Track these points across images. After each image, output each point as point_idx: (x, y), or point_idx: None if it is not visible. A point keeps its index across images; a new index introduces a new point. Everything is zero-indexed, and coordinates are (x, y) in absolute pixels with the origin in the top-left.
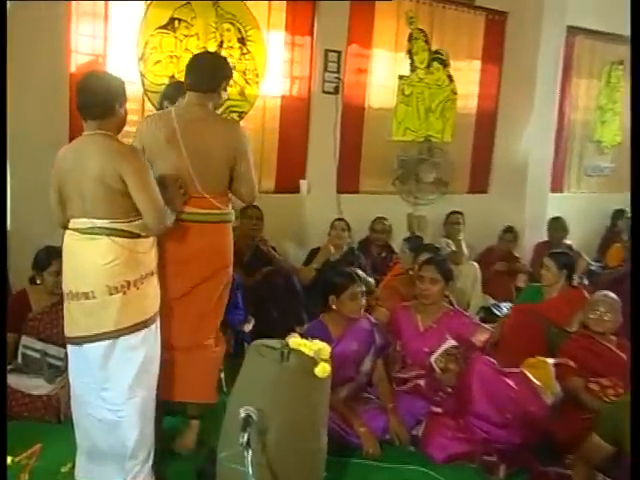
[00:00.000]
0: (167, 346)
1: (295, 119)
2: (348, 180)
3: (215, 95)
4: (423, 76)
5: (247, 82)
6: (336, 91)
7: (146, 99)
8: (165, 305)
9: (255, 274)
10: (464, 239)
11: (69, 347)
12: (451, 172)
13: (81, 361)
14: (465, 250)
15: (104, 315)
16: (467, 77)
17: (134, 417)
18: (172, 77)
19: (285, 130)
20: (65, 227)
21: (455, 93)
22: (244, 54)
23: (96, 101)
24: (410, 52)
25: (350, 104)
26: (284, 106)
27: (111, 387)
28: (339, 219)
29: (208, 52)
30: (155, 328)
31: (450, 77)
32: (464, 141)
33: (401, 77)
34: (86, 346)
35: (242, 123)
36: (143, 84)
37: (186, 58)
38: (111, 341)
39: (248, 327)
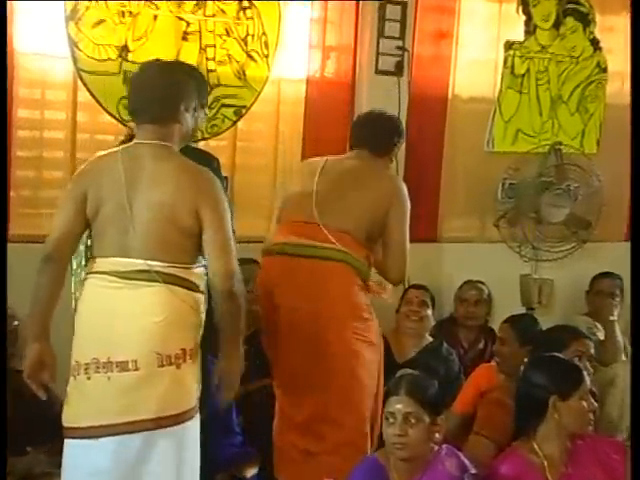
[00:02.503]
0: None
1: (330, 117)
2: (420, 219)
3: (387, 158)
4: (548, 42)
5: (250, 56)
6: (399, 70)
7: (80, 84)
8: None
9: (257, 377)
10: (620, 319)
11: (70, 443)
12: (597, 206)
13: (90, 463)
14: (621, 339)
15: (145, 395)
16: (626, 44)
17: None
18: (125, 49)
19: (313, 135)
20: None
21: (604, 70)
22: (244, 9)
23: (154, 97)
24: (525, 2)
25: (422, 92)
26: (311, 96)
27: None
28: (416, 286)
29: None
30: (197, 421)
31: (595, 43)
32: (620, 152)
33: (510, 45)
34: (105, 440)
35: (241, 123)
36: (75, 59)
37: (147, 16)
38: (148, 434)
39: (251, 471)
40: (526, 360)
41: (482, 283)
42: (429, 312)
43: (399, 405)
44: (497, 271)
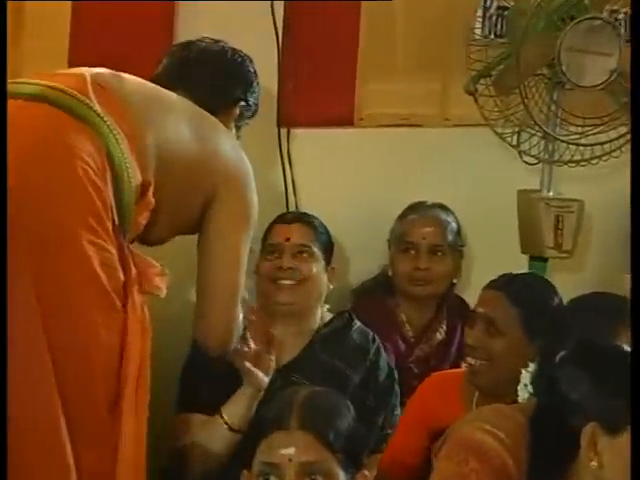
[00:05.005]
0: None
1: None
2: (323, 86)
3: (224, 118)
4: None
5: None
6: None
7: None
8: None
9: None
10: None
11: None
12: None
13: None
14: None
15: None
16: None
17: None
18: None
19: None
20: None
21: None
22: None
23: None
24: None
25: None
26: None
27: None
28: (291, 217)
29: None
30: None
31: None
32: None
33: None
34: None
35: None
36: None
37: None
38: None
39: None
40: (533, 363)
41: (444, 209)
42: (318, 267)
43: (289, 449)
44: (474, 184)
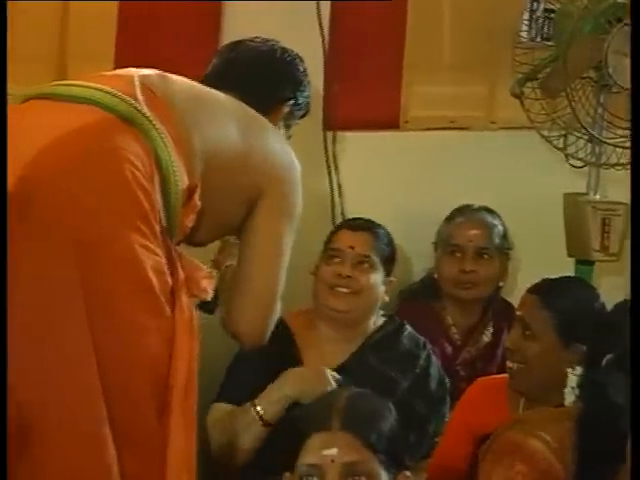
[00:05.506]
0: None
1: None
2: (366, 91)
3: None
4: None
5: None
6: None
7: None
8: None
9: None
10: None
11: None
12: None
13: None
14: None
15: None
16: None
17: None
18: None
19: None
20: None
21: None
22: None
23: None
24: None
25: None
26: None
27: None
28: (353, 225)
29: None
30: None
31: None
32: None
33: None
34: None
35: None
36: None
37: None
38: None
39: None
40: (580, 366)
41: (491, 212)
42: (376, 278)
43: (331, 450)
44: (521, 187)
